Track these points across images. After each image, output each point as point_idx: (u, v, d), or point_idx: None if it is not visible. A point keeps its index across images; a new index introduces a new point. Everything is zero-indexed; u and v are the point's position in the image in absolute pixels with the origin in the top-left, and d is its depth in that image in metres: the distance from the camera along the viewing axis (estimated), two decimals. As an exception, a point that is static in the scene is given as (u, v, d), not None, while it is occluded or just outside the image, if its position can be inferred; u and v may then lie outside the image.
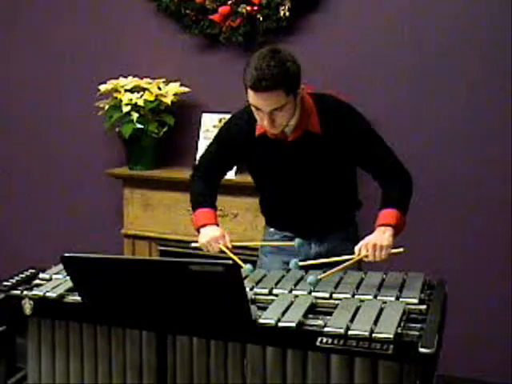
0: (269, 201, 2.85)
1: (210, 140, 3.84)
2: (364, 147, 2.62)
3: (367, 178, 2.73)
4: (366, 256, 2.45)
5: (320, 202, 2.72)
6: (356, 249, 2.48)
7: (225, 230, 2.69)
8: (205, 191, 2.80)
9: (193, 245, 2.74)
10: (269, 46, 2.52)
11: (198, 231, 2.70)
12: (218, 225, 2.70)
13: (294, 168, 2.67)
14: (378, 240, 2.45)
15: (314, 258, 2.71)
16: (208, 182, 2.83)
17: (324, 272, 2.52)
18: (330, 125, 2.59)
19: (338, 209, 2.77)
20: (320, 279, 2.46)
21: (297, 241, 2.66)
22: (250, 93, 2.45)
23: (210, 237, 2.64)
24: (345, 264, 2.50)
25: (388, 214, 2.52)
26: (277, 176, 2.71)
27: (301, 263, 2.57)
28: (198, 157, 3.92)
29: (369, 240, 2.47)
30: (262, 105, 2.44)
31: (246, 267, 2.58)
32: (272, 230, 2.87)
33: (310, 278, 2.44)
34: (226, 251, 2.64)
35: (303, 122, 2.59)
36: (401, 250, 2.47)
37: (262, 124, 2.52)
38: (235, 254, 2.64)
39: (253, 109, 2.51)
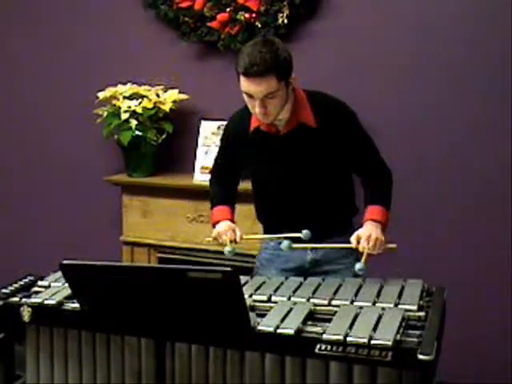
0: (265, 204, 2.85)
1: (209, 147, 3.91)
2: (355, 144, 2.67)
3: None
4: (364, 248, 2.51)
5: (316, 204, 2.72)
6: (353, 239, 2.54)
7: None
8: (220, 192, 2.90)
9: (206, 239, 2.84)
10: (260, 37, 2.59)
11: (214, 227, 2.79)
12: (232, 220, 2.78)
13: (288, 161, 2.68)
14: (378, 234, 2.54)
15: (310, 264, 2.75)
16: (222, 182, 2.92)
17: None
18: (325, 118, 2.62)
19: (335, 213, 2.77)
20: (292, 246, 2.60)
21: (285, 243, 2.66)
22: (243, 79, 2.49)
23: (217, 232, 2.74)
24: (339, 246, 2.61)
25: (378, 211, 2.62)
26: (272, 171, 2.72)
27: (294, 245, 2.62)
28: (196, 164, 3.93)
29: (370, 232, 2.53)
30: (254, 91, 2.47)
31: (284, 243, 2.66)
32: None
33: (285, 243, 2.58)
34: (248, 237, 2.78)
35: (296, 114, 2.62)
36: (394, 245, 2.56)
37: (255, 112, 2.55)
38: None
39: (245, 97, 2.54)
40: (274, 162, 2.70)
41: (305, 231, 2.65)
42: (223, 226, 2.74)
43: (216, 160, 2.95)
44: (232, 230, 2.71)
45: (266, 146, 2.69)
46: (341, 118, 2.64)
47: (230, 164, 2.88)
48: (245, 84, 2.49)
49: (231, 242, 2.68)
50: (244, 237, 2.73)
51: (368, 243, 2.50)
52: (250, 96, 2.50)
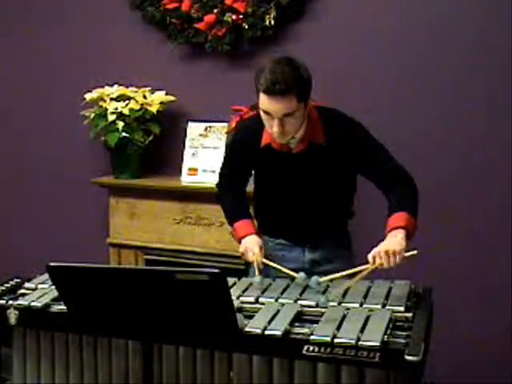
0: (266, 207, 2.85)
1: (196, 148, 3.90)
2: (367, 155, 2.64)
3: (362, 191, 2.75)
4: (381, 264, 2.42)
5: (317, 210, 2.73)
6: (370, 257, 2.45)
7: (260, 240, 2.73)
8: (234, 204, 2.86)
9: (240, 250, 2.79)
10: (282, 54, 2.56)
11: (240, 242, 2.75)
12: (256, 233, 2.74)
13: (297, 179, 2.68)
14: (389, 246, 2.43)
15: (309, 265, 2.75)
16: (233, 193, 2.87)
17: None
18: (334, 135, 2.61)
19: (333, 217, 2.78)
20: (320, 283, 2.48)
21: (301, 275, 2.59)
22: (263, 97, 2.46)
23: (244, 248, 2.70)
24: (362, 274, 2.44)
25: (397, 217, 2.52)
26: (279, 186, 2.72)
27: (321, 279, 2.52)
28: (183, 165, 3.93)
29: (380, 248, 2.44)
30: (274, 110, 2.44)
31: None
32: (265, 237, 2.85)
33: (313, 279, 2.47)
34: (268, 262, 2.68)
35: (308, 133, 2.61)
36: (415, 252, 2.45)
37: (272, 131, 2.52)
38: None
39: (262, 115, 2.52)
40: (282, 179, 2.69)
41: (302, 274, 2.59)
42: (250, 241, 2.70)
43: (222, 170, 2.91)
44: (259, 247, 2.67)
45: (276, 162, 2.67)
46: (348, 134, 2.62)
47: (237, 174, 2.86)
48: (265, 102, 2.45)
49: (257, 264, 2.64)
50: (264, 260, 2.68)
51: (381, 259, 2.41)
52: (269, 114, 2.48)
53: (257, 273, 2.62)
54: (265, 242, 2.84)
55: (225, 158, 2.90)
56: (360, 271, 2.47)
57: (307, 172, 2.66)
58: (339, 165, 2.65)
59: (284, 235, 2.82)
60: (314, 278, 2.52)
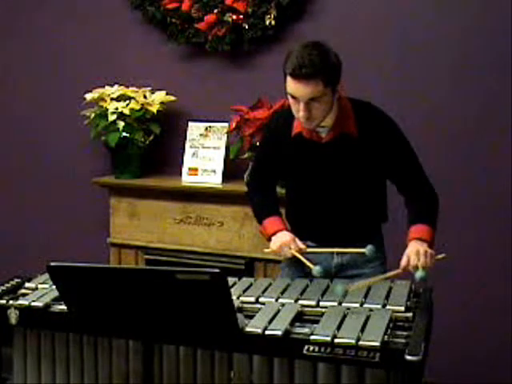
0: (296, 207, 2.80)
1: (196, 148, 3.91)
2: (397, 156, 2.62)
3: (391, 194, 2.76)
4: (415, 266, 2.42)
5: (348, 209, 2.69)
6: (403, 261, 2.46)
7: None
8: (264, 200, 2.82)
9: (265, 250, 2.74)
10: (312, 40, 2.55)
11: (269, 240, 2.70)
12: (287, 229, 2.70)
13: (327, 170, 2.64)
14: (419, 248, 2.46)
15: (337, 269, 2.71)
16: (264, 189, 2.85)
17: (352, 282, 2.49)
18: (367, 128, 2.59)
19: (364, 219, 2.73)
20: (347, 290, 2.38)
21: (317, 268, 2.54)
22: (289, 80, 2.45)
23: (281, 242, 2.64)
24: (388, 274, 2.47)
25: (422, 229, 2.54)
26: (308, 178, 2.69)
27: (350, 289, 2.44)
28: (183, 165, 3.93)
29: (416, 248, 2.46)
30: (300, 93, 2.44)
31: (316, 269, 2.53)
32: None
33: (338, 287, 2.37)
34: (298, 256, 2.61)
35: (339, 123, 2.58)
36: (443, 255, 2.49)
37: (298, 116, 2.51)
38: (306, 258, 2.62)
39: (289, 99, 2.51)
40: (312, 169, 2.66)
41: (369, 247, 2.56)
42: (284, 236, 2.66)
43: (255, 163, 2.91)
44: (293, 241, 2.63)
45: (306, 152, 2.65)
46: (383, 129, 2.60)
47: (269, 166, 2.81)
48: (291, 85, 2.45)
49: (297, 251, 2.60)
50: (308, 250, 2.65)
51: (419, 259, 2.43)
52: (295, 98, 2.47)
53: (311, 265, 2.55)
54: None
55: (257, 154, 2.91)
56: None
57: (337, 162, 2.62)
58: (370, 159, 2.61)
59: (313, 236, 2.75)
60: (341, 287, 2.39)
